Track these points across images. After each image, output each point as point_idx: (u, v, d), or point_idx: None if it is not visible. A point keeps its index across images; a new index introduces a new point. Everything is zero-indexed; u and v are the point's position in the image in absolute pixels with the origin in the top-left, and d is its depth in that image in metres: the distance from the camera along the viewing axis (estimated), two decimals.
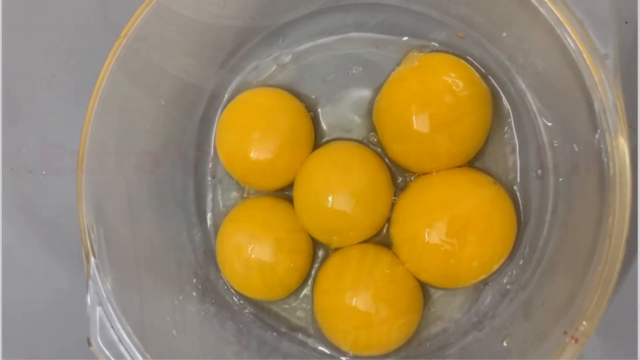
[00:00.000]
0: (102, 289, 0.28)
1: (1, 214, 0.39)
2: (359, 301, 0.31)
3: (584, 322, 0.24)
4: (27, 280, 0.39)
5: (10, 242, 0.39)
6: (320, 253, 0.35)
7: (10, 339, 0.39)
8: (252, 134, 0.33)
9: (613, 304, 0.25)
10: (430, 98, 0.31)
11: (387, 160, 0.34)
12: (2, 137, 0.40)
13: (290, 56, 0.36)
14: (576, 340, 0.25)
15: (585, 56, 0.25)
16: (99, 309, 0.28)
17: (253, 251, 0.33)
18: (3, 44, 0.40)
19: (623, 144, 0.25)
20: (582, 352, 0.25)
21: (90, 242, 0.29)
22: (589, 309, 0.24)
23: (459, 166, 0.32)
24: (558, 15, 0.26)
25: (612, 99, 0.25)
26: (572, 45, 0.26)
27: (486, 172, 0.33)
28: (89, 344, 0.28)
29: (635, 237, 0.25)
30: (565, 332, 0.25)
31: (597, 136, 0.25)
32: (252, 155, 0.33)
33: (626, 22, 0.33)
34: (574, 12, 0.26)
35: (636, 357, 0.31)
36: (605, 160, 0.25)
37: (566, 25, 0.26)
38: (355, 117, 0.35)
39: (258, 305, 0.35)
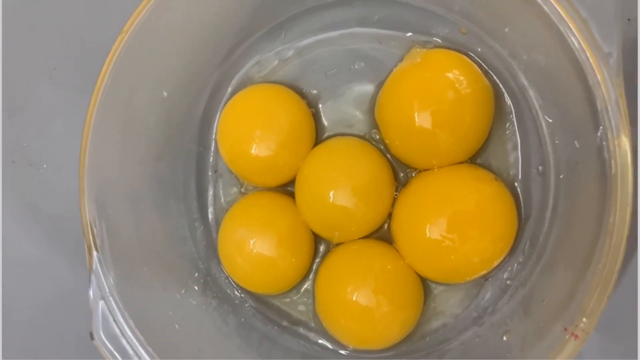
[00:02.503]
0: (104, 283, 0.28)
1: (2, 207, 0.39)
2: (360, 296, 0.31)
3: (584, 319, 0.24)
4: (28, 274, 0.39)
5: (11, 235, 0.39)
6: (322, 248, 0.35)
7: (12, 335, 0.39)
8: (253, 130, 0.33)
9: (612, 303, 0.25)
10: (433, 94, 0.31)
11: (388, 155, 0.34)
12: (3, 131, 0.40)
13: (292, 51, 0.36)
14: (576, 337, 0.25)
15: (588, 54, 0.25)
16: (101, 302, 0.28)
17: (255, 246, 0.33)
18: (4, 37, 0.39)
19: (625, 142, 0.25)
20: (581, 351, 0.25)
21: (93, 236, 0.29)
22: (589, 306, 0.24)
23: (461, 162, 0.32)
24: (561, 12, 0.26)
25: (615, 97, 0.25)
26: (575, 43, 0.26)
27: (487, 168, 0.33)
28: (92, 338, 0.28)
29: (635, 235, 0.25)
30: (565, 329, 0.25)
31: (599, 134, 0.25)
32: (253, 151, 0.33)
33: (629, 19, 0.33)
34: (578, 10, 0.25)
35: (636, 357, 0.31)
36: (607, 158, 0.25)
37: (569, 23, 0.26)
38: (357, 113, 0.35)
39: (259, 300, 0.36)
